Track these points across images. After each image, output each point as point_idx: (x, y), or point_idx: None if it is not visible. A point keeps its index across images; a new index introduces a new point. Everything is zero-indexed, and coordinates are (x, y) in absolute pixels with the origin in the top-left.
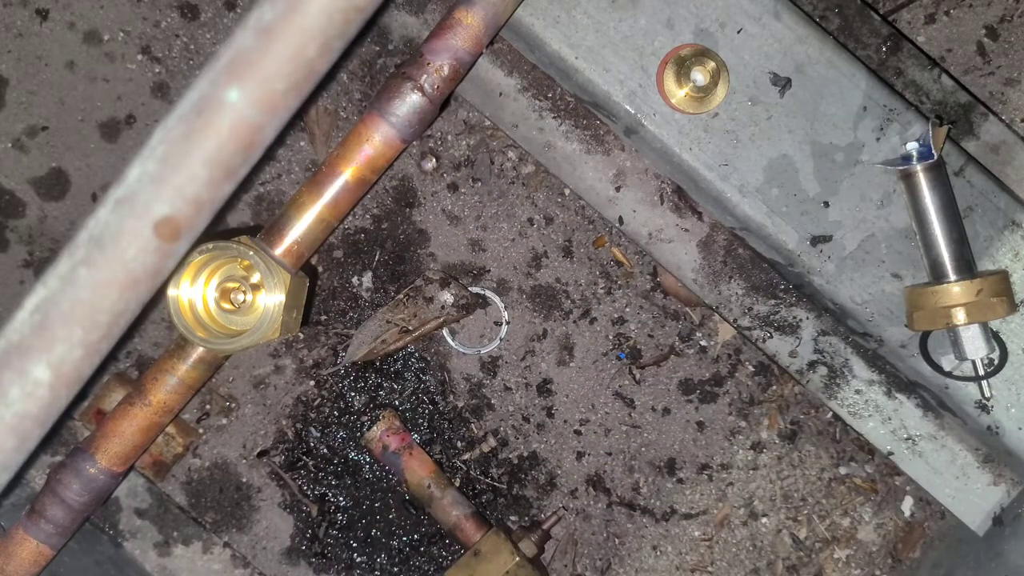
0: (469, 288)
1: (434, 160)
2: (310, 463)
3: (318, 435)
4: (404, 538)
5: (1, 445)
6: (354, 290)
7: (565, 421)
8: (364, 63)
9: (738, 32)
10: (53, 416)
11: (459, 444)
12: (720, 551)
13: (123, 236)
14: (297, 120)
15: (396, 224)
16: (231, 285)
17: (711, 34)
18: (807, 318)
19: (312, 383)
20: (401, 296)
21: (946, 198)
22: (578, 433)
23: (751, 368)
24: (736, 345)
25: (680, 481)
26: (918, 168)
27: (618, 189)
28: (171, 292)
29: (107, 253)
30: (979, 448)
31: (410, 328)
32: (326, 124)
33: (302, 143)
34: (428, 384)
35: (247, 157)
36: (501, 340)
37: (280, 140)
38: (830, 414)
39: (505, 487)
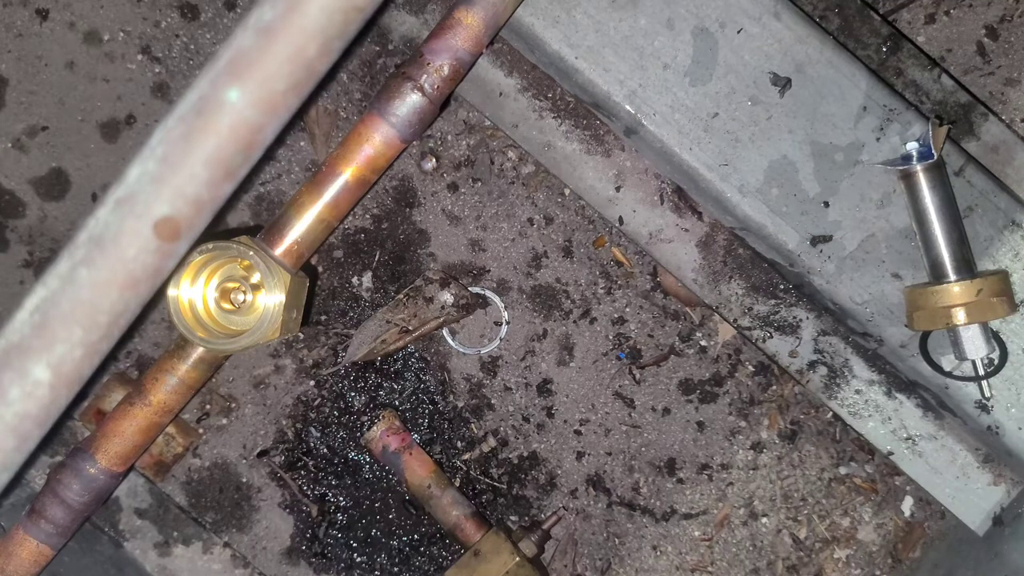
0: (469, 288)
1: (434, 160)
2: (310, 463)
3: (318, 435)
4: (404, 538)
5: (1, 445)
6: (354, 290)
7: (565, 421)
8: (364, 63)
9: (738, 32)
10: (53, 416)
11: (459, 444)
12: (720, 551)
13: (123, 236)
14: (297, 120)
15: (396, 224)
16: (231, 285)
17: (711, 34)
18: (807, 318)
19: (312, 383)
20: (401, 296)
21: (946, 198)
22: (578, 433)
23: (751, 368)
24: (736, 345)
25: (680, 481)
26: (918, 168)
27: (618, 189)
28: (171, 292)
29: (107, 253)
30: (979, 448)
31: (410, 328)
32: (326, 124)
33: (302, 143)
34: (428, 384)
35: (247, 157)
36: (501, 340)
37: (280, 140)
38: (830, 414)
39: (505, 487)
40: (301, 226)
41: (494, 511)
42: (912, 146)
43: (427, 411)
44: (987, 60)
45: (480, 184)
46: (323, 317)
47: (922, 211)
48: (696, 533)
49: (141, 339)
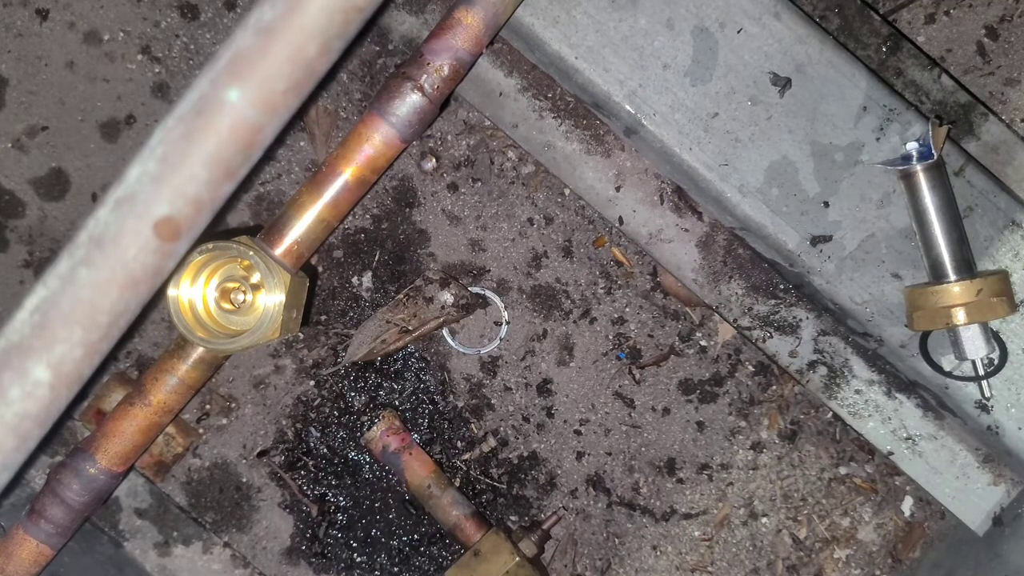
0: (469, 288)
1: (434, 160)
2: (310, 463)
3: (318, 435)
4: (404, 538)
5: (1, 445)
6: (354, 290)
7: (565, 421)
8: (364, 63)
9: (738, 32)
10: (53, 416)
11: (459, 444)
12: (720, 551)
13: (123, 236)
14: (297, 120)
15: (396, 224)
16: (231, 285)
17: (711, 34)
18: (807, 318)
19: (312, 383)
20: (401, 296)
21: (946, 198)
22: (578, 433)
23: (751, 368)
24: (736, 345)
25: (680, 481)
26: (918, 168)
27: (618, 189)
28: (171, 292)
29: (107, 253)
30: (979, 448)
31: (410, 328)
32: (326, 124)
33: (302, 143)
34: (428, 384)
35: (247, 157)
36: (501, 340)
37: (280, 140)
38: (830, 414)
39: (505, 487)
40: (301, 226)
41: (494, 511)
42: (912, 146)
43: (427, 411)
44: (987, 60)
45: (480, 184)
46: (323, 317)
47: (922, 211)
48: (696, 533)
49: (141, 339)
